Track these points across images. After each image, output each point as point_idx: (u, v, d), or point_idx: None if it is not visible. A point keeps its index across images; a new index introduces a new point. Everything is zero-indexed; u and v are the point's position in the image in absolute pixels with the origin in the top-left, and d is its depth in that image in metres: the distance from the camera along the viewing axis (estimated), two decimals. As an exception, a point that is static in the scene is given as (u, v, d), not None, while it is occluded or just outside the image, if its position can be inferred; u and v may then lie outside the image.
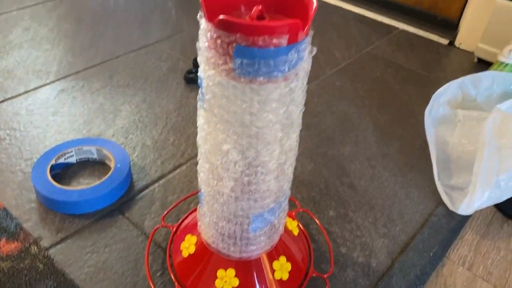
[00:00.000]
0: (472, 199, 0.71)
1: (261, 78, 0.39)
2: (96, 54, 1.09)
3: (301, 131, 0.49)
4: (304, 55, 0.41)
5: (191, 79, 1.00)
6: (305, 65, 0.42)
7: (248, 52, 0.38)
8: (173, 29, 1.22)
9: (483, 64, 1.16)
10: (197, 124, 0.49)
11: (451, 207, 0.75)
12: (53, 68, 1.02)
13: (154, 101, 0.95)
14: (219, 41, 0.38)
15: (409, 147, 0.88)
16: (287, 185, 0.52)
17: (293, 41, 0.38)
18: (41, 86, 0.96)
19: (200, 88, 0.45)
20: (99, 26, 1.21)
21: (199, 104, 0.46)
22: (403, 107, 0.99)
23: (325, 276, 0.61)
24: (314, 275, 0.61)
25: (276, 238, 0.57)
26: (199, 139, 0.49)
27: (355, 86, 1.05)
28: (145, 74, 1.03)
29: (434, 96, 0.85)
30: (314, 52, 0.42)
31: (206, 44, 0.40)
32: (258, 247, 0.55)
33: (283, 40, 0.37)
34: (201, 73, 0.43)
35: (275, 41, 0.37)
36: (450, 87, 0.87)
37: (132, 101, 0.94)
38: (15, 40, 1.12)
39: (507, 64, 0.89)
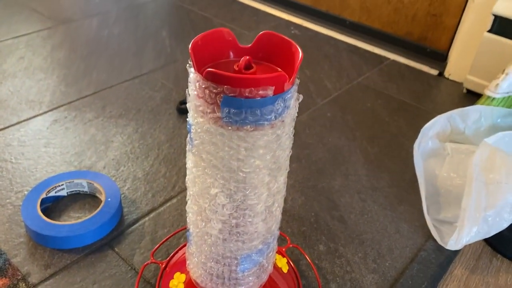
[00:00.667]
0: (460, 234, 0.72)
1: (248, 127, 0.40)
2: (89, 84, 1.10)
3: (292, 163, 0.50)
4: (291, 104, 0.42)
5: (184, 110, 1.01)
6: (292, 112, 0.43)
7: (235, 102, 0.39)
8: (167, 59, 1.24)
9: (472, 95, 1.18)
10: (186, 166, 0.49)
11: (440, 242, 0.75)
12: (46, 98, 1.03)
13: (146, 131, 0.96)
14: (207, 91, 0.39)
15: (399, 181, 0.89)
16: (275, 226, 0.52)
17: (279, 91, 0.39)
18: (34, 117, 0.97)
19: (189, 133, 0.46)
20: (93, 55, 1.22)
21: (188, 147, 0.47)
22: (393, 140, 1.01)
23: (314, 314, 0.61)
24: (303, 313, 0.61)
25: (265, 278, 0.57)
26: (188, 181, 0.50)
27: (346, 118, 1.07)
28: (138, 105, 1.04)
29: (423, 130, 0.86)
30: (300, 99, 0.43)
31: (195, 92, 0.41)
32: (246, 287, 0.55)
33: (269, 91, 0.38)
34: (190, 119, 0.44)
35: (261, 92, 0.38)
36: (438, 120, 0.88)
37: (124, 132, 0.95)
38: (9, 69, 1.13)
39: (494, 98, 0.91)
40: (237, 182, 0.44)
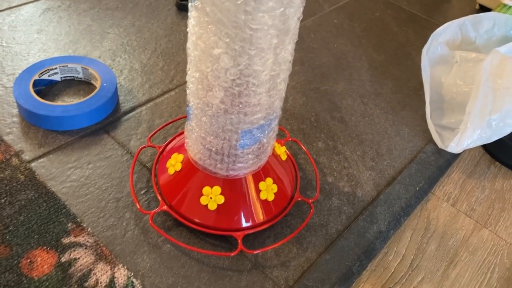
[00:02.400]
0: (463, 137, 0.71)
1: (259, -28, 0.37)
2: (84, -26, 1.03)
3: (295, 66, 0.47)
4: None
5: (183, 6, 0.96)
6: (306, -36, 0.39)
7: None
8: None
9: (484, 11, 1.13)
10: (188, 29, 0.46)
11: (440, 145, 0.74)
12: (38, -15, 0.97)
13: (143, 25, 0.91)
14: None
15: (403, 88, 0.87)
16: (278, 103, 0.50)
17: None
18: (25, 3, 0.91)
19: (192, -14, 0.42)
20: None
21: (190, 4, 0.43)
22: (400, 49, 0.97)
23: (310, 201, 0.61)
24: (300, 199, 0.61)
25: (264, 159, 0.56)
26: (189, 45, 0.47)
27: (353, 25, 1.02)
28: (136, -1, 0.98)
29: (433, 34, 0.83)
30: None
31: None
32: (245, 166, 0.54)
33: None
34: (194, -33, 0.41)
35: None
36: (450, 26, 0.85)
37: (120, 24, 0.90)
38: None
39: (510, 7, 0.87)
40: (243, 41, 0.41)
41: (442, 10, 1.14)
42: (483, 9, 1.14)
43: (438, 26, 1.05)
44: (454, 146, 0.72)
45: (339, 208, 0.63)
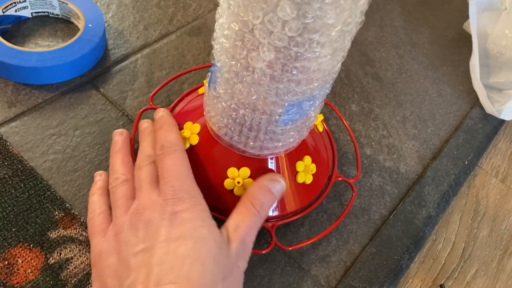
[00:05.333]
0: (519, 102, 0.61)
1: None
2: None
3: None
4: None
5: None
6: None
7: None
8: None
9: None
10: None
11: (490, 110, 0.64)
12: None
13: None
14: None
15: (441, 38, 0.75)
16: (339, 65, 0.38)
17: None
18: None
19: None
20: None
21: None
22: (433, -11, 0.84)
23: (351, 181, 0.51)
24: (340, 179, 0.51)
25: (305, 134, 0.45)
26: (227, -16, 0.33)
27: (378, -42, 0.87)
28: None
29: (483, -26, 0.70)
30: None
31: None
32: (284, 144, 0.43)
33: None
34: None
35: None
36: (502, -35, 0.71)
37: None
38: None
39: None
40: (318, -18, 0.28)
41: None
42: None
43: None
44: (508, 112, 0.62)
45: (382, 187, 0.53)
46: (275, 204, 0.43)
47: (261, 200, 0.39)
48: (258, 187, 0.40)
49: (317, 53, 0.33)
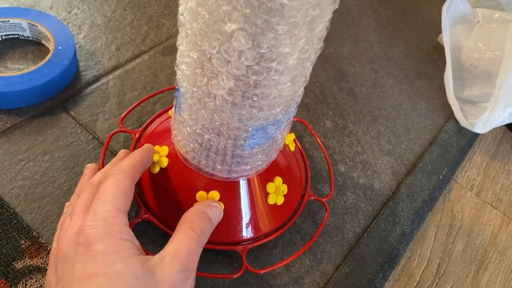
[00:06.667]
0: (492, 115, 0.61)
1: None
2: None
3: None
4: None
5: None
6: None
7: None
8: None
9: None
10: (182, -11, 0.32)
11: (464, 124, 0.64)
12: None
13: (105, -34, 0.73)
14: None
15: (416, 51, 0.75)
16: (302, 89, 0.38)
17: None
18: None
19: None
20: None
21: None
22: (408, 3, 0.84)
23: (324, 200, 0.50)
24: (312, 198, 0.50)
25: (274, 156, 0.45)
26: (184, 12, 0.33)
27: (354, -28, 0.88)
28: None
29: (455, -12, 0.70)
30: None
31: None
32: (252, 167, 0.42)
33: None
34: None
35: None
36: (474, -21, 0.72)
37: (76, -36, 0.72)
38: None
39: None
40: (270, 13, 0.28)
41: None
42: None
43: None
44: (481, 126, 0.62)
45: (356, 205, 0.53)
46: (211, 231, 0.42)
47: (200, 226, 0.37)
48: (196, 213, 0.39)
49: (276, 80, 0.33)
